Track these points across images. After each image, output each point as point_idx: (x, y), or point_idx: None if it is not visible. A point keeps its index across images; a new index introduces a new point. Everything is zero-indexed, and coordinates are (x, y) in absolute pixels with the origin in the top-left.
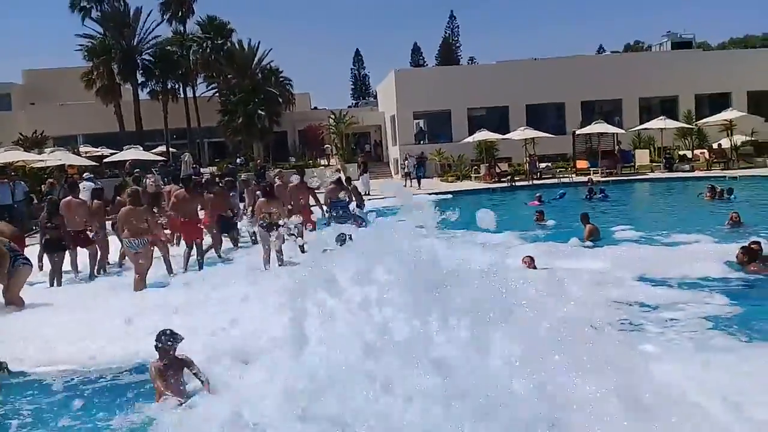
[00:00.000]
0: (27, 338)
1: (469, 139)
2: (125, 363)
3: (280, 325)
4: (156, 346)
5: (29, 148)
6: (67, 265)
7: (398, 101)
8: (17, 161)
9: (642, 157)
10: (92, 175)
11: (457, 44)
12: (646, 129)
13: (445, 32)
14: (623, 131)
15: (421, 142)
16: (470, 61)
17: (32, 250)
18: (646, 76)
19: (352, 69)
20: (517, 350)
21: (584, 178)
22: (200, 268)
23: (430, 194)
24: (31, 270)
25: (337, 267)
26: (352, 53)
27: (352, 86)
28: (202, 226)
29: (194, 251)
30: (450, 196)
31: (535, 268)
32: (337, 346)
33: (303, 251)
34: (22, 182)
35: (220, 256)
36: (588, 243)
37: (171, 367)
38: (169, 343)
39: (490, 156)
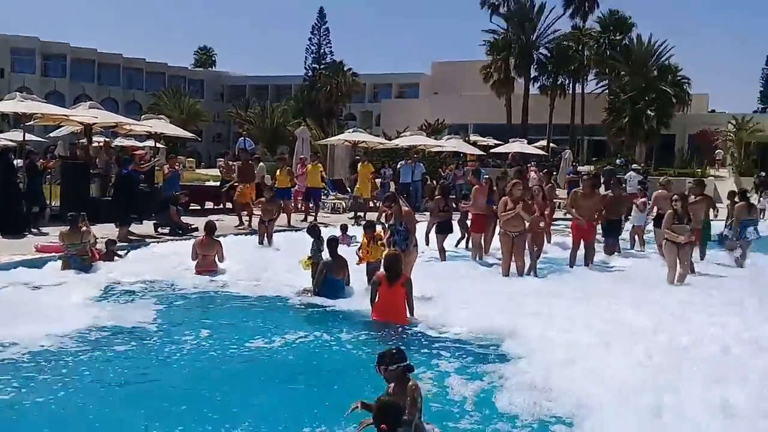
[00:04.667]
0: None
1: None
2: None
3: None
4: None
5: (430, 134)
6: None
7: None
8: (419, 145)
9: None
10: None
11: None
12: None
13: None
14: None
15: None
16: None
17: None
18: None
19: (763, 69)
20: None
21: None
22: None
23: None
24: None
25: None
26: (766, 53)
27: (761, 89)
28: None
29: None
30: None
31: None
32: None
33: None
34: (422, 164)
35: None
36: None
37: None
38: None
39: None
